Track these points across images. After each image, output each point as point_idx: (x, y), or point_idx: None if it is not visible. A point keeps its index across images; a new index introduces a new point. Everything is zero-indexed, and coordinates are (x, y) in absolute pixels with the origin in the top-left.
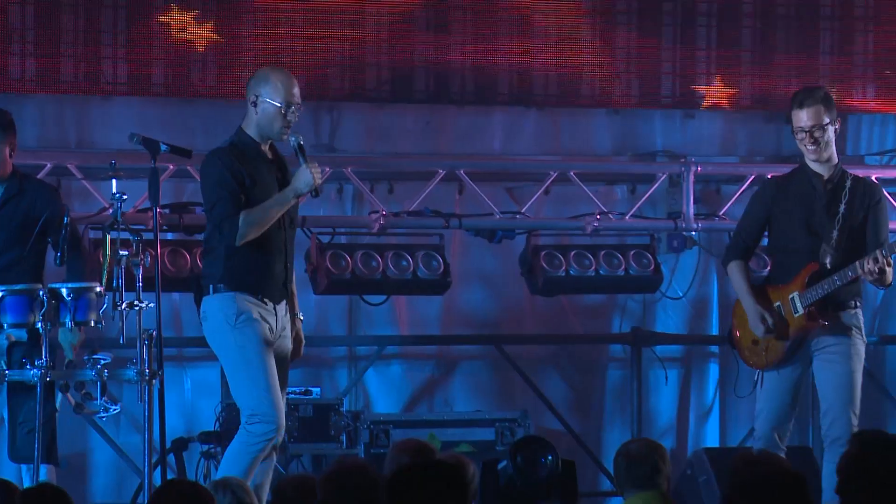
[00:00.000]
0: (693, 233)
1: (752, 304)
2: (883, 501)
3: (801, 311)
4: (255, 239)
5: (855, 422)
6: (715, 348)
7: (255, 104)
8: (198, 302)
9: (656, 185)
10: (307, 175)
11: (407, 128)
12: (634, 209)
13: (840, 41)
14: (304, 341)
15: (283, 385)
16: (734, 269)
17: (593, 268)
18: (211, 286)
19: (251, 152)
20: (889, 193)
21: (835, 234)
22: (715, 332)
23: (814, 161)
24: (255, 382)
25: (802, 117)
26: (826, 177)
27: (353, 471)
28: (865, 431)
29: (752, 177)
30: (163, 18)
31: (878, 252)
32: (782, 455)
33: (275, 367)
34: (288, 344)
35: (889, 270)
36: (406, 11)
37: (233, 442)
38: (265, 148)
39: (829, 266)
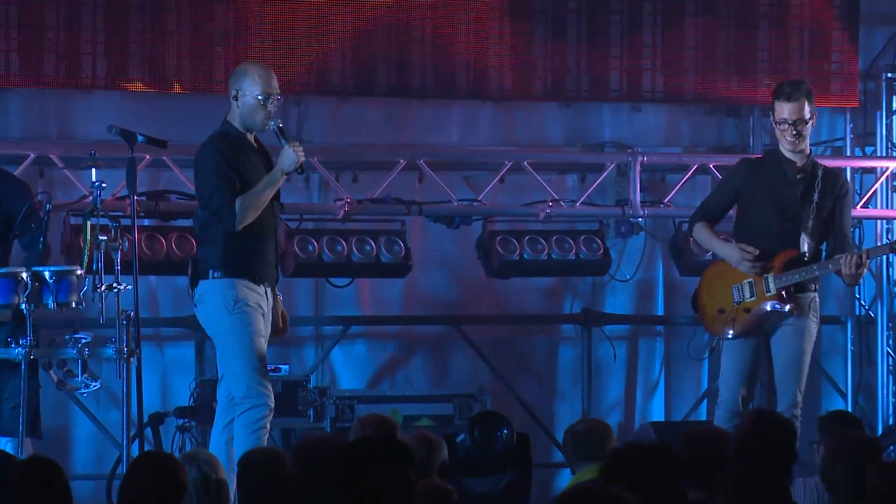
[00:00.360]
0: (639, 219)
1: (730, 247)
2: (766, 475)
3: (772, 291)
4: (248, 225)
5: (800, 398)
6: (661, 327)
7: (236, 98)
8: (193, 284)
9: (605, 174)
10: (291, 154)
11: (370, 120)
12: (584, 197)
13: (776, 39)
14: (288, 318)
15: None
16: (700, 227)
17: (546, 252)
18: (210, 271)
19: (238, 142)
20: None
21: (811, 223)
22: (660, 312)
23: (788, 149)
24: (248, 368)
25: (788, 110)
26: (799, 165)
27: (322, 445)
28: (760, 410)
29: (695, 166)
30: (139, 17)
31: (863, 253)
32: (736, 416)
33: (265, 352)
34: (268, 323)
35: (863, 272)
36: (369, 9)
37: (236, 434)
38: (250, 138)
39: (806, 254)
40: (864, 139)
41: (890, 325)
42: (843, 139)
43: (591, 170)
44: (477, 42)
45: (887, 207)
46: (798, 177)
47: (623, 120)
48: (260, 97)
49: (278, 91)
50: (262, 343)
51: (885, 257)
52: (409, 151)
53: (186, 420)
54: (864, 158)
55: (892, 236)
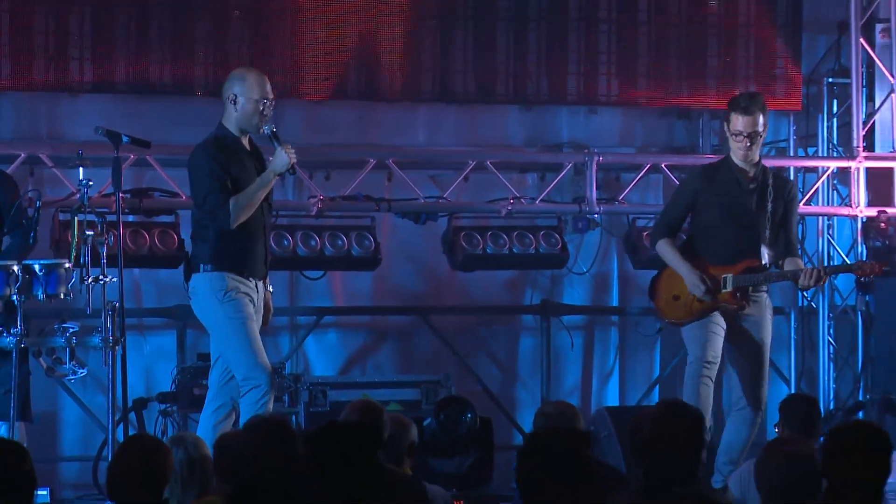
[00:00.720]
0: (595, 215)
1: (690, 269)
2: (675, 461)
3: (729, 288)
4: (240, 225)
5: (765, 390)
6: (615, 318)
7: (233, 102)
8: (186, 278)
9: (563, 173)
10: (283, 156)
11: (342, 122)
12: (544, 194)
13: (724, 46)
14: (272, 311)
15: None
16: (664, 244)
17: (507, 246)
18: (201, 265)
19: (233, 145)
20: None
21: (767, 232)
22: (615, 303)
23: (742, 160)
24: (245, 352)
25: (744, 122)
26: (751, 173)
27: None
28: (670, 400)
29: (648, 166)
30: (124, 25)
31: (821, 270)
32: (711, 383)
33: (259, 336)
34: (260, 314)
35: (822, 284)
36: (341, 18)
37: (243, 412)
38: (244, 141)
39: (765, 263)
40: (807, 140)
41: (830, 315)
42: (787, 140)
43: (550, 169)
44: (442, 49)
45: (828, 204)
46: (751, 186)
47: (580, 122)
48: (256, 101)
49: (272, 95)
50: (255, 327)
51: (825, 253)
52: (378, 151)
53: (168, 405)
54: (806, 158)
55: (833, 232)
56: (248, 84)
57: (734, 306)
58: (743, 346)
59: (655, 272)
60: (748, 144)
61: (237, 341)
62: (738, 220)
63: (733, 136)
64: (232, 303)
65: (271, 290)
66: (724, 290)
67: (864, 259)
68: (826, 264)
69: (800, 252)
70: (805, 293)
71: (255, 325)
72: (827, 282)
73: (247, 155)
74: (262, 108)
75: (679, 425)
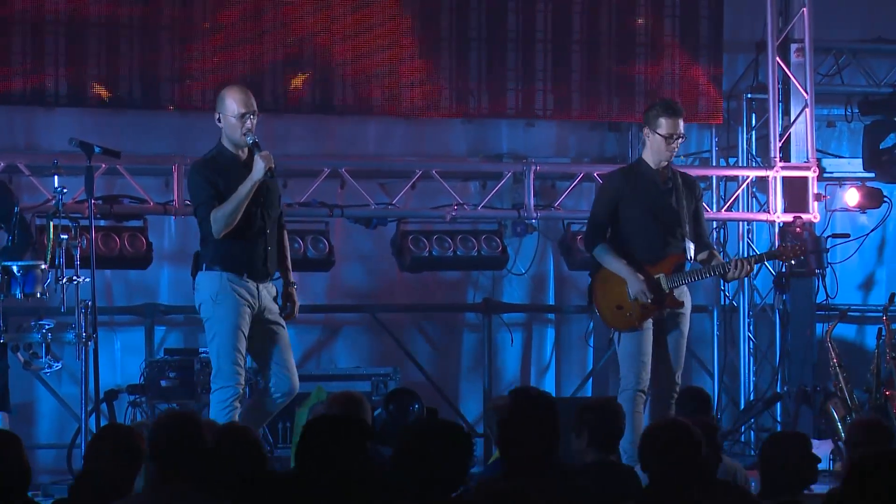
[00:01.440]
0: (533, 220)
1: (635, 277)
2: (531, 451)
3: (665, 289)
4: (237, 227)
5: (679, 380)
6: (552, 315)
7: (219, 121)
8: (193, 275)
9: (503, 181)
10: (260, 164)
11: (297, 134)
12: (485, 201)
13: (651, 64)
14: (297, 303)
15: (284, 348)
16: (603, 250)
17: (452, 249)
18: (204, 264)
19: (227, 161)
20: None
21: (686, 228)
22: (551, 301)
23: (661, 161)
24: (222, 354)
25: (674, 125)
26: (664, 174)
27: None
28: (518, 389)
29: (581, 174)
30: (96, 44)
31: (750, 259)
32: (644, 398)
33: (244, 340)
34: (275, 312)
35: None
36: (297, 36)
37: (210, 409)
38: (242, 154)
39: (691, 258)
40: (728, 151)
41: (751, 313)
42: (710, 151)
43: (491, 178)
44: (391, 66)
45: (747, 211)
46: (668, 185)
47: (518, 134)
48: (236, 116)
49: (254, 108)
50: (239, 332)
51: (745, 254)
52: (332, 161)
53: (137, 396)
54: (727, 168)
55: (752, 236)
56: (227, 102)
57: (674, 305)
58: (668, 338)
59: (589, 278)
60: (675, 146)
61: (218, 342)
62: (661, 218)
63: (664, 139)
64: (222, 305)
65: (295, 282)
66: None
67: (789, 244)
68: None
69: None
70: (726, 292)
71: (244, 328)
72: (747, 281)
73: (240, 169)
74: (244, 121)
75: (532, 415)
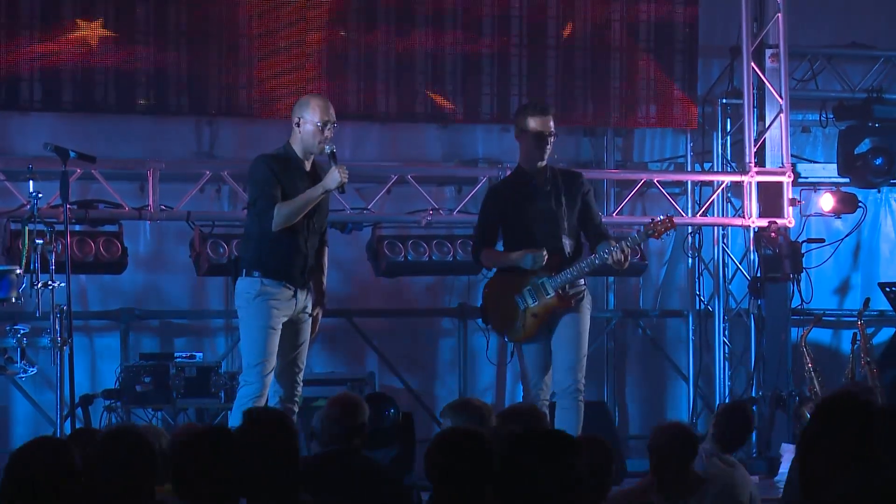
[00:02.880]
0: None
1: (520, 253)
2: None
3: (551, 293)
4: (282, 231)
5: (582, 381)
6: None
7: (298, 125)
8: (234, 279)
9: (478, 186)
10: (336, 175)
11: (273, 138)
12: (461, 206)
13: (626, 69)
14: (318, 323)
15: (306, 354)
16: (486, 253)
17: (427, 254)
18: (244, 269)
19: (292, 164)
20: (669, 194)
21: (566, 224)
22: None
23: (536, 162)
24: (253, 353)
25: (543, 122)
26: (541, 175)
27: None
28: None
29: None
30: (71, 49)
31: (624, 244)
32: (546, 405)
33: (276, 344)
34: (308, 324)
35: (628, 259)
36: (273, 43)
37: (234, 405)
38: (307, 164)
39: (568, 253)
40: (703, 156)
41: (725, 318)
42: (685, 156)
43: (466, 182)
44: (367, 71)
45: (723, 216)
46: (547, 187)
47: (493, 139)
48: (318, 124)
49: (335, 119)
50: (269, 331)
51: (720, 260)
52: None
53: (113, 401)
54: (702, 173)
55: (727, 241)
56: (311, 108)
57: (564, 305)
58: (561, 340)
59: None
60: (547, 144)
61: (249, 343)
62: (541, 219)
63: (536, 138)
64: (257, 307)
65: (325, 305)
66: (548, 297)
67: (657, 218)
68: (723, 273)
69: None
70: (702, 297)
71: (277, 334)
72: (722, 286)
73: (303, 176)
74: (323, 130)
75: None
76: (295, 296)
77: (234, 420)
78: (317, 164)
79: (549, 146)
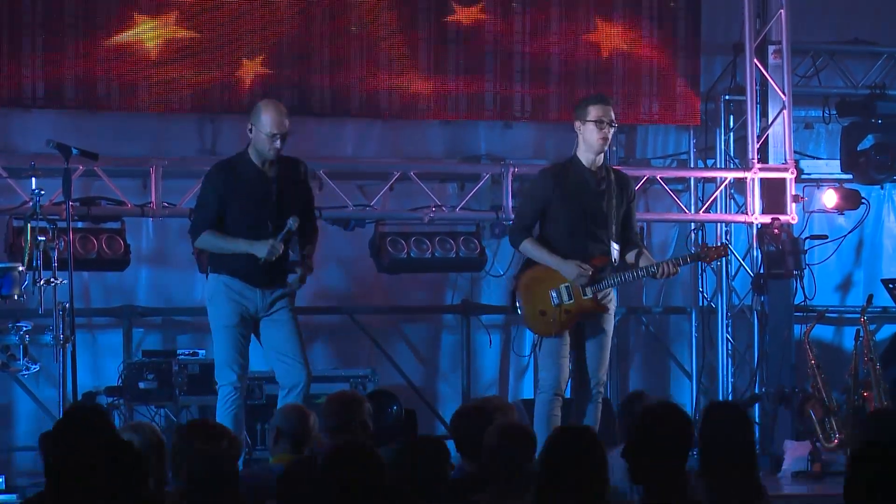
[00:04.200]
0: (511, 222)
1: (567, 263)
2: None
3: (589, 294)
4: (241, 234)
5: (605, 379)
6: None
7: (250, 132)
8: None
9: (481, 183)
10: (265, 248)
11: None
12: (463, 203)
13: (629, 65)
14: (310, 270)
15: (287, 337)
16: (529, 244)
17: (430, 251)
18: (208, 268)
19: (243, 169)
20: (672, 190)
21: (614, 228)
22: None
23: (594, 154)
24: (220, 353)
25: (603, 110)
26: (599, 174)
27: None
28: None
29: None
30: (73, 46)
31: (679, 260)
32: (560, 402)
33: (240, 341)
34: (282, 308)
35: (675, 272)
36: (275, 39)
37: (217, 408)
38: (266, 166)
39: (616, 260)
40: (706, 153)
41: (728, 314)
42: (688, 152)
43: (469, 179)
44: (370, 68)
45: (725, 212)
46: (602, 186)
47: (496, 136)
48: (266, 135)
49: (286, 130)
50: (233, 330)
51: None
52: (309, 162)
53: (115, 398)
54: (705, 170)
55: (730, 237)
56: (261, 118)
57: (600, 309)
58: (592, 340)
59: (514, 280)
60: (607, 133)
61: (215, 343)
62: (589, 221)
63: (599, 127)
64: (219, 306)
65: (308, 255)
66: (585, 298)
67: (711, 245)
68: (726, 270)
69: (644, 244)
70: (705, 294)
71: (239, 329)
72: (725, 282)
73: (259, 179)
74: (273, 141)
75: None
76: (260, 296)
77: (220, 418)
78: (284, 162)
79: (609, 136)
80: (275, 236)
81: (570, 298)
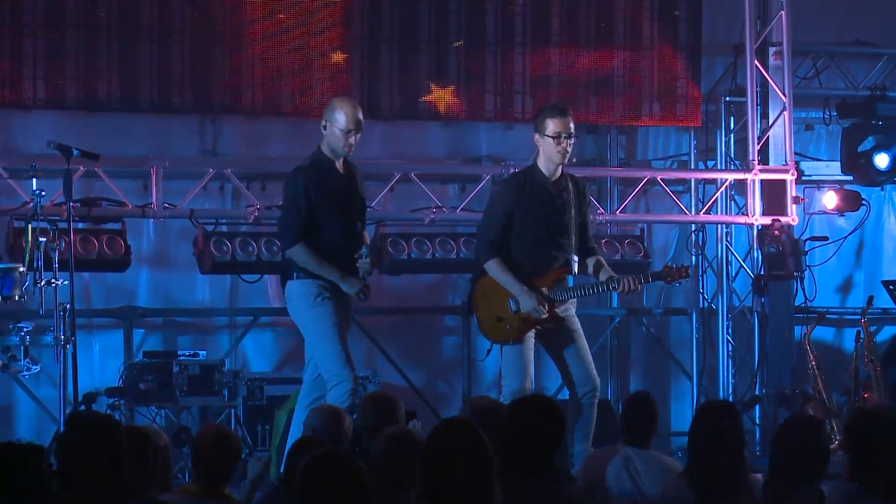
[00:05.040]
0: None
1: (527, 292)
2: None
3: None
4: (325, 237)
5: (597, 379)
6: None
7: (325, 128)
8: (282, 283)
9: (482, 184)
10: (356, 287)
11: (276, 136)
12: (464, 204)
13: (630, 66)
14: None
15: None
16: (495, 265)
17: (430, 252)
18: (294, 273)
19: (326, 169)
20: (672, 192)
21: (573, 239)
22: None
23: (555, 165)
24: (332, 351)
25: (562, 124)
26: (558, 183)
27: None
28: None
29: None
30: (74, 47)
31: (641, 278)
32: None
33: (346, 336)
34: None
35: (636, 289)
36: (275, 43)
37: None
38: (338, 164)
39: (574, 271)
40: (706, 154)
41: (729, 316)
42: (688, 154)
43: (470, 180)
44: (369, 69)
45: (726, 214)
46: (562, 195)
47: (497, 137)
48: (342, 131)
49: (361, 126)
50: (343, 330)
51: (724, 258)
52: None
53: (116, 399)
54: (706, 171)
55: (731, 239)
56: (336, 114)
57: (554, 321)
58: (577, 344)
59: (470, 284)
60: (567, 146)
61: (324, 343)
62: (549, 227)
63: (553, 139)
64: (322, 307)
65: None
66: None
67: (674, 266)
68: (727, 272)
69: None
70: (705, 295)
71: (344, 328)
72: (726, 283)
73: (338, 177)
74: (348, 137)
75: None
76: (344, 297)
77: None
78: (349, 164)
79: (568, 148)
80: (361, 234)
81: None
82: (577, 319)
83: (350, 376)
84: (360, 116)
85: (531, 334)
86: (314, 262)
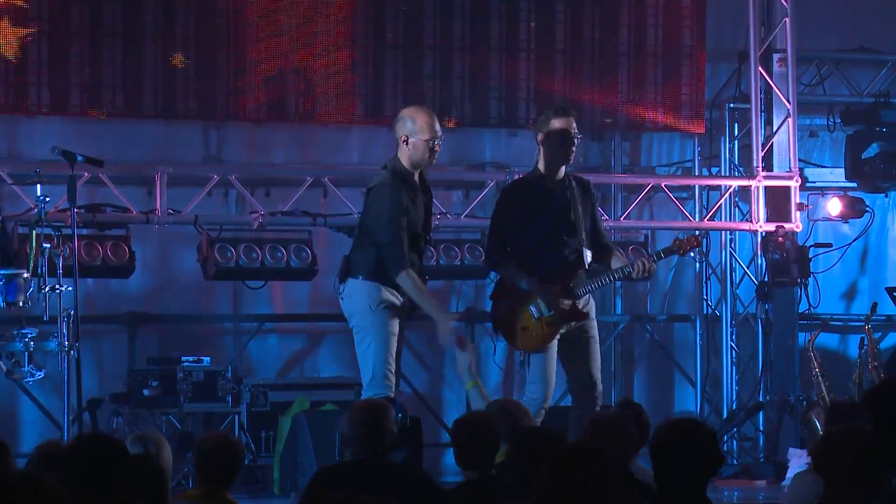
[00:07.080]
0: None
1: (541, 287)
2: None
3: (568, 304)
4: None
5: (601, 385)
6: None
7: (405, 142)
8: (341, 279)
9: (486, 190)
10: (448, 327)
11: (281, 142)
12: (468, 210)
13: (634, 73)
14: None
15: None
16: (510, 268)
17: (434, 258)
18: (360, 275)
19: (409, 180)
20: (677, 198)
21: (584, 236)
22: None
23: (559, 166)
24: (378, 361)
25: (566, 122)
26: (561, 182)
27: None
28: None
29: None
30: (78, 53)
31: (654, 256)
32: (543, 411)
33: (396, 351)
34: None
35: (652, 271)
36: (279, 49)
37: None
38: (415, 176)
39: (588, 265)
40: (711, 160)
41: (733, 322)
42: (693, 160)
43: (474, 187)
44: (374, 75)
45: (730, 220)
46: (566, 194)
47: (501, 143)
48: (426, 141)
49: (440, 133)
50: (395, 342)
51: (727, 264)
52: (314, 170)
53: (120, 405)
54: (710, 178)
55: (735, 245)
56: (418, 125)
57: (580, 320)
58: (589, 346)
59: (490, 300)
60: (573, 144)
61: (375, 350)
62: (559, 226)
63: (560, 138)
64: (383, 314)
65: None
66: (564, 307)
67: (684, 238)
68: (731, 278)
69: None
70: (709, 301)
71: (398, 340)
72: (730, 290)
73: (415, 187)
74: (432, 146)
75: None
76: (409, 304)
77: None
78: (422, 172)
79: (573, 147)
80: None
81: (549, 310)
82: (595, 324)
83: (388, 389)
84: (438, 123)
85: (554, 343)
86: (416, 289)
